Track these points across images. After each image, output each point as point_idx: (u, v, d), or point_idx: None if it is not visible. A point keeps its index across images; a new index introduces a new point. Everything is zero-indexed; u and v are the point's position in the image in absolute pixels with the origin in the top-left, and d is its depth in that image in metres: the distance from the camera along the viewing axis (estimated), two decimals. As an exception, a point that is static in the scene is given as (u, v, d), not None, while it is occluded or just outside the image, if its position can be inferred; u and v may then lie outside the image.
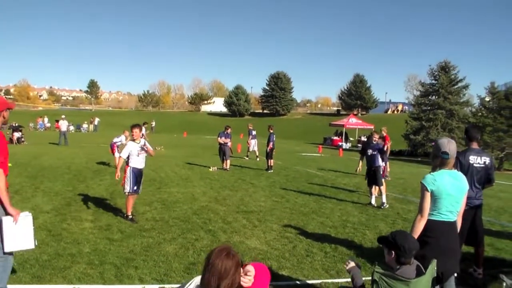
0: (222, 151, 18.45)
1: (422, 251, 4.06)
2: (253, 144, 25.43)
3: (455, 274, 4.43)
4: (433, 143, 4.64)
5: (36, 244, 4.57)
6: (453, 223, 4.31)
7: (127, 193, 8.91)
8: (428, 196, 4.19)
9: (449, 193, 4.18)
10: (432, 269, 3.74)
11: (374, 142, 11.55)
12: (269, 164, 18.98)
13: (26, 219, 4.48)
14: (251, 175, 16.91)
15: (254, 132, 25.52)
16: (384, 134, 18.79)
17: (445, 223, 4.24)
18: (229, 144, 18.71)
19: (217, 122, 72.99)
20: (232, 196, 11.93)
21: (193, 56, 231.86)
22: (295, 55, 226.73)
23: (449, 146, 4.20)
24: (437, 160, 4.28)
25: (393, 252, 3.70)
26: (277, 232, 8.34)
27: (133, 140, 9.02)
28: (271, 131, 19.64)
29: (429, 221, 4.24)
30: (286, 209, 10.54)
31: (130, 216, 8.82)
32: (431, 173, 4.28)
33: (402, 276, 3.55)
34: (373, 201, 11.37)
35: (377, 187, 11.43)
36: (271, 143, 19.05)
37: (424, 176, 4.29)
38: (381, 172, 11.58)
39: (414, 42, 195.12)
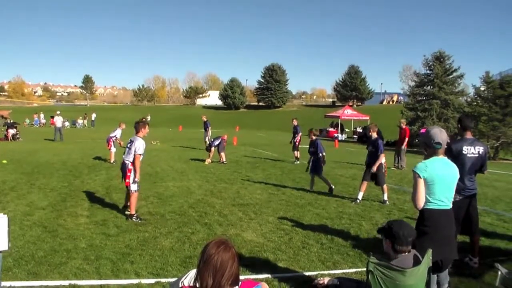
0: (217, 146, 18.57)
1: (421, 241, 4.16)
2: (208, 136, 25.22)
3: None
4: (421, 132, 4.77)
5: (10, 246, 4.38)
6: (449, 211, 4.40)
7: (134, 191, 8.64)
8: (421, 183, 4.26)
9: (441, 178, 4.28)
10: (427, 258, 3.75)
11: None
12: (296, 156, 19.59)
13: (1, 220, 4.25)
14: (247, 168, 16.89)
15: (209, 124, 25.73)
16: (404, 127, 18.84)
17: (442, 211, 4.32)
18: (224, 137, 18.86)
19: (213, 115, 72.87)
20: (228, 189, 11.92)
21: (188, 50, 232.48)
22: (290, 47, 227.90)
23: (441, 136, 4.33)
24: (429, 150, 4.39)
25: (388, 240, 3.72)
26: (273, 224, 8.34)
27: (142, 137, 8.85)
28: (296, 123, 20.14)
29: (426, 210, 4.32)
30: (282, 201, 10.55)
31: (136, 215, 8.56)
32: (423, 161, 4.38)
33: (398, 265, 3.56)
34: (360, 197, 10.70)
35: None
36: (298, 136, 19.68)
37: (415, 165, 4.38)
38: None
39: (409, 33, 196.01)
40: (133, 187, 8.65)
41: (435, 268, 4.30)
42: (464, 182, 5.82)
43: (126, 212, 8.80)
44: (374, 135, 10.71)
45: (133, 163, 8.65)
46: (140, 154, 8.63)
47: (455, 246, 4.51)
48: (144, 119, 26.70)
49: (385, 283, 3.55)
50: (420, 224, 4.36)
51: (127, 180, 8.70)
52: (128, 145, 8.92)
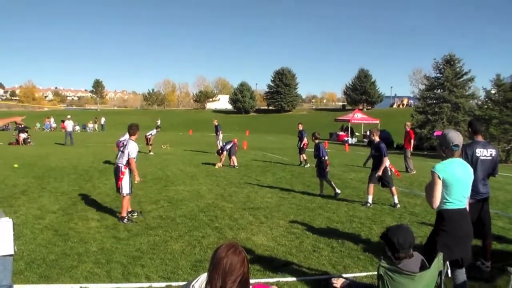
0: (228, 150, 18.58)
1: (443, 239, 4.33)
2: (220, 139, 25.32)
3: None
4: (436, 134, 4.82)
5: (16, 250, 4.42)
6: (465, 210, 4.49)
7: (125, 195, 8.71)
8: (440, 183, 4.31)
9: (459, 179, 4.34)
10: (438, 262, 3.72)
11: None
12: (303, 159, 19.59)
13: (5, 224, 4.33)
14: (257, 171, 16.87)
15: (220, 128, 25.84)
16: (408, 129, 18.76)
17: (459, 210, 4.40)
18: (235, 141, 18.90)
19: (223, 119, 72.97)
20: (238, 193, 11.92)
21: (198, 54, 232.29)
22: (300, 51, 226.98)
23: (458, 138, 4.41)
24: (448, 152, 4.44)
25: (387, 247, 3.72)
26: (284, 228, 8.33)
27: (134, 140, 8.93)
28: (301, 127, 20.42)
29: (445, 210, 4.39)
30: (293, 205, 10.53)
31: (127, 217, 8.62)
32: (441, 162, 4.44)
33: (406, 270, 3.54)
34: (370, 201, 10.65)
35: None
36: (305, 139, 19.81)
37: (434, 166, 4.41)
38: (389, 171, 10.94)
39: (419, 36, 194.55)
40: (125, 190, 8.73)
41: (456, 265, 4.46)
42: (478, 186, 5.78)
43: (117, 214, 8.85)
44: (377, 139, 10.77)
45: (126, 166, 8.74)
46: (134, 158, 8.72)
47: (471, 244, 4.58)
48: (157, 125, 26.85)
49: (393, 288, 3.53)
50: (440, 224, 4.43)
51: (119, 183, 8.77)
52: (121, 149, 9.02)
